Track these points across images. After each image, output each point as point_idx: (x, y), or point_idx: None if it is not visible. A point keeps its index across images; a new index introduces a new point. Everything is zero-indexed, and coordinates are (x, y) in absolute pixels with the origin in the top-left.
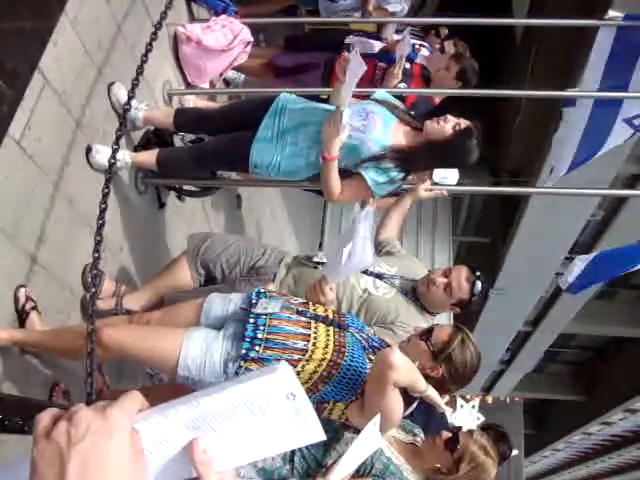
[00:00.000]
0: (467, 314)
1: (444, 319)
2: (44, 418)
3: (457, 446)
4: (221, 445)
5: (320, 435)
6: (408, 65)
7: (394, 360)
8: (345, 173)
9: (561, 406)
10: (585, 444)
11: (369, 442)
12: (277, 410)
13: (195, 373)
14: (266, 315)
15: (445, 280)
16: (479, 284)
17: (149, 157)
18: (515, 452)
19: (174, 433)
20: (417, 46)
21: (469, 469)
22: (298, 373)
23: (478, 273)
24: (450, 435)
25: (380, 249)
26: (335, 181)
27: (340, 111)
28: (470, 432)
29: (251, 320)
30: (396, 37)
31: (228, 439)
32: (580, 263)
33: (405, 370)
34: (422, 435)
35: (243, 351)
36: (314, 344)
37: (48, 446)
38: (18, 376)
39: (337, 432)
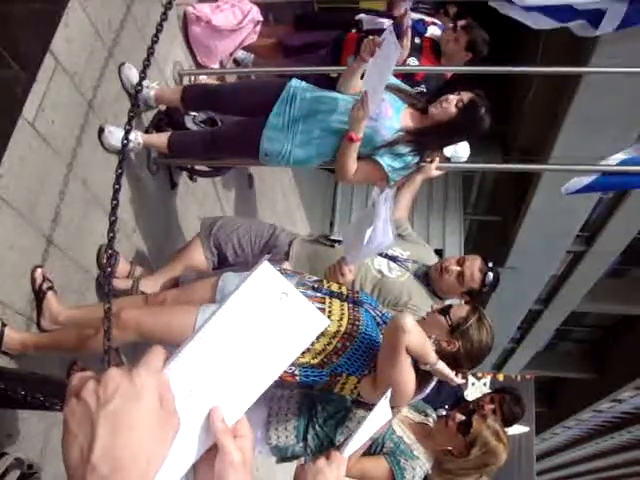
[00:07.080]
0: (477, 301)
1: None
2: (74, 379)
3: (470, 430)
4: (240, 376)
5: (323, 321)
6: (418, 40)
7: (406, 322)
8: (360, 158)
9: (572, 384)
10: (595, 421)
11: (380, 416)
12: (276, 316)
13: None
14: None
15: (458, 268)
16: (491, 275)
17: (161, 140)
18: (526, 429)
19: (194, 380)
20: (427, 20)
21: (480, 453)
22: (312, 344)
23: (491, 264)
24: (463, 418)
25: None
26: (353, 162)
27: (368, 95)
28: (483, 416)
29: None
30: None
31: (245, 364)
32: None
33: (416, 335)
34: (434, 415)
35: None
36: (329, 317)
37: (78, 405)
38: (37, 356)
39: (349, 411)
